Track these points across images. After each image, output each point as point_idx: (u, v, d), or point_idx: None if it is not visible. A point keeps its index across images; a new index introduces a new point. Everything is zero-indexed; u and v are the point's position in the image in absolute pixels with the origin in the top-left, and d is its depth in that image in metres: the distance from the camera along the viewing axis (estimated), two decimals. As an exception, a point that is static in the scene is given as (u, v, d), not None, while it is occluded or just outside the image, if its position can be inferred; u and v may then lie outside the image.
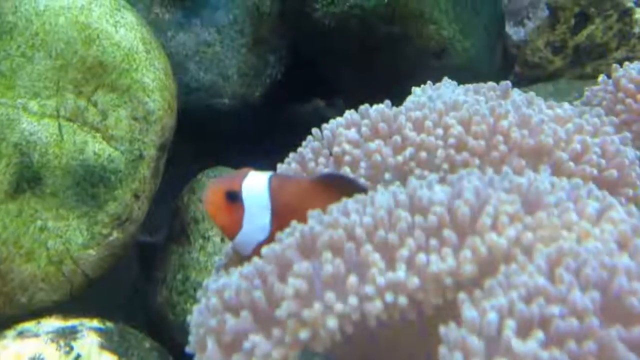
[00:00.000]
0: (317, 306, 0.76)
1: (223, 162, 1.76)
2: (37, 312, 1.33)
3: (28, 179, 1.36)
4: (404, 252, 0.76)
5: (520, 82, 2.07)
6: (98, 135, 1.42)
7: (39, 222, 1.35)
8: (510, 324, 0.68)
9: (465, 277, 0.75)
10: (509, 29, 2.20)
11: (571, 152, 0.98)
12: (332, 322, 0.75)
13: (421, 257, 0.75)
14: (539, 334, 0.67)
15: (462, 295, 0.74)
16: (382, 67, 1.80)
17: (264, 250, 0.82)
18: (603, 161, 0.97)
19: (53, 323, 1.29)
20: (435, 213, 0.78)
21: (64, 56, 1.43)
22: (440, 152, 1.00)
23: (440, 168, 1.00)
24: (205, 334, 0.82)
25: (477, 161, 0.99)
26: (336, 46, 1.81)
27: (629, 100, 1.20)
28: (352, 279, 0.76)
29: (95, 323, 1.31)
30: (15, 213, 1.34)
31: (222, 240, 1.55)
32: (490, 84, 1.19)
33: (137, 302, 1.65)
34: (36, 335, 1.25)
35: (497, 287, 0.72)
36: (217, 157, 1.80)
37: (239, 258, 1.01)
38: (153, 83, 1.49)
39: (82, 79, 1.43)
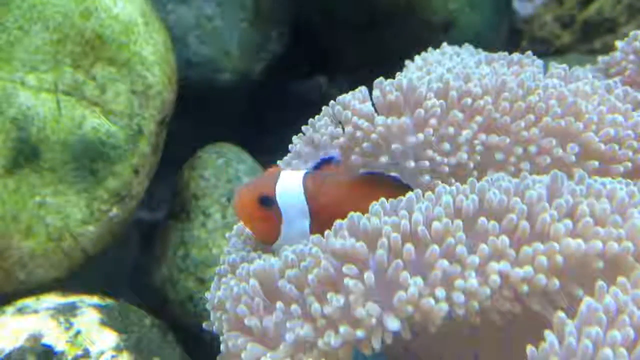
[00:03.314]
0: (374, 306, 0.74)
1: (224, 139, 1.74)
2: (37, 289, 1.32)
3: (26, 154, 1.33)
4: (474, 258, 0.74)
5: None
6: (97, 109, 1.40)
7: (37, 198, 1.33)
8: None
9: (539, 287, 0.73)
10: (517, 4, 2.16)
11: (603, 134, 0.95)
12: (394, 324, 0.74)
13: (493, 266, 0.73)
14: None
15: (561, 316, 0.71)
16: (386, 42, 1.77)
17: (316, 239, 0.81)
18: (636, 144, 0.94)
19: (53, 299, 1.27)
20: (511, 220, 0.75)
21: (62, 29, 1.40)
22: (467, 132, 0.96)
23: (466, 145, 0.96)
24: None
25: (507, 140, 0.96)
26: (339, 19, 1.78)
27: None
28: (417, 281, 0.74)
29: (95, 300, 1.30)
30: (14, 188, 1.32)
31: (224, 217, 1.53)
32: (506, 55, 1.17)
33: (138, 280, 1.64)
34: (36, 311, 1.23)
35: (596, 318, 0.69)
36: (218, 133, 1.77)
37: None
38: (152, 57, 1.46)
39: (80, 52, 1.41)
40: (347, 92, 1.07)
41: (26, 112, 1.34)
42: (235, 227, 1.04)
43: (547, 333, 0.70)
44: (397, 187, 0.91)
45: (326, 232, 0.81)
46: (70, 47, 1.40)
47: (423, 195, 0.82)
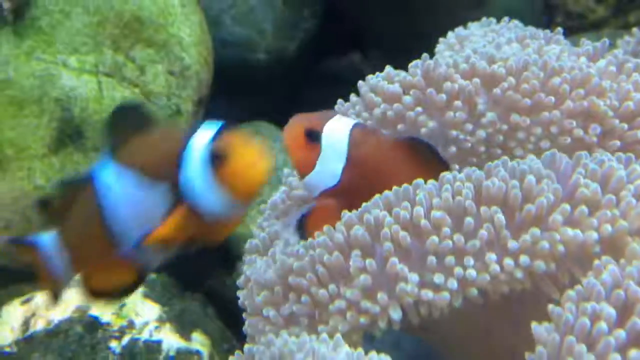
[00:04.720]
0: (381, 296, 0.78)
1: (259, 117, 1.77)
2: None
3: (69, 134, 1.38)
4: (474, 245, 0.77)
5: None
6: (136, 90, 1.44)
7: (81, 176, 1.38)
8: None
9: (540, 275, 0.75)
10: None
11: (624, 113, 0.95)
12: (396, 315, 0.79)
13: (491, 257, 0.76)
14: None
15: (569, 294, 0.74)
16: (419, 18, 1.77)
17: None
18: None
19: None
20: (510, 208, 0.77)
21: (102, 12, 1.44)
22: (490, 115, 0.98)
23: (489, 126, 0.98)
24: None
25: (528, 121, 0.97)
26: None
27: None
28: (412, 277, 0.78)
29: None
30: (58, 167, 1.37)
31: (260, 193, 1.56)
32: (537, 31, 1.17)
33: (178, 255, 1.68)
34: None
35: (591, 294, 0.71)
36: (253, 111, 1.80)
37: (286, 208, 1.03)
38: (189, 38, 1.49)
39: (120, 34, 1.44)
40: (380, 69, 1.09)
41: (69, 93, 1.39)
42: (269, 200, 1.07)
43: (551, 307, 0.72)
44: (436, 160, 0.93)
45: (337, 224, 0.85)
46: (110, 30, 1.44)
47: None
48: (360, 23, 1.94)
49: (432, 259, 0.77)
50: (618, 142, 0.94)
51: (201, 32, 1.53)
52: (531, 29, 1.15)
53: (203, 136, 0.80)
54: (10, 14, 1.39)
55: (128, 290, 0.89)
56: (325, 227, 0.85)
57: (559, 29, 1.14)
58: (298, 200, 1.03)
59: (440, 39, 1.20)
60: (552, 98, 0.95)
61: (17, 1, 1.39)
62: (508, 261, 0.76)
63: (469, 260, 0.76)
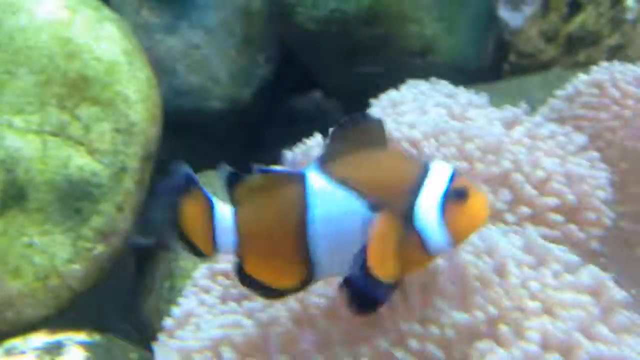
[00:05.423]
0: None
1: (214, 166, 1.77)
2: (26, 328, 1.37)
3: (13, 196, 1.39)
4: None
5: (514, 72, 2.06)
6: (82, 149, 1.45)
7: (25, 239, 1.38)
8: None
9: None
10: (505, 14, 2.17)
11: (535, 180, 0.97)
12: None
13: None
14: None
15: None
16: (366, 66, 1.80)
17: None
18: (566, 189, 0.97)
19: (40, 338, 1.32)
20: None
21: (47, 72, 1.45)
22: None
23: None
24: None
25: None
26: (321, 48, 1.82)
27: (616, 108, 1.15)
28: None
29: (81, 337, 1.34)
30: (1, 230, 1.37)
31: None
32: (463, 94, 1.19)
33: (132, 309, 1.68)
34: (22, 352, 1.29)
35: None
36: (211, 158, 1.81)
37: None
38: (135, 95, 1.50)
39: (65, 93, 1.46)
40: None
41: (13, 155, 1.40)
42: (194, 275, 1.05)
43: None
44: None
45: None
46: (55, 89, 1.45)
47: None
48: (314, 70, 1.97)
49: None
50: (528, 209, 0.96)
51: (148, 88, 1.54)
52: (456, 91, 1.18)
53: (440, 172, 0.74)
54: (-46, 78, 1.40)
55: (290, 292, 0.78)
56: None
57: (484, 94, 1.16)
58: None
59: (373, 101, 1.22)
60: (465, 164, 0.98)
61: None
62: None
63: None
